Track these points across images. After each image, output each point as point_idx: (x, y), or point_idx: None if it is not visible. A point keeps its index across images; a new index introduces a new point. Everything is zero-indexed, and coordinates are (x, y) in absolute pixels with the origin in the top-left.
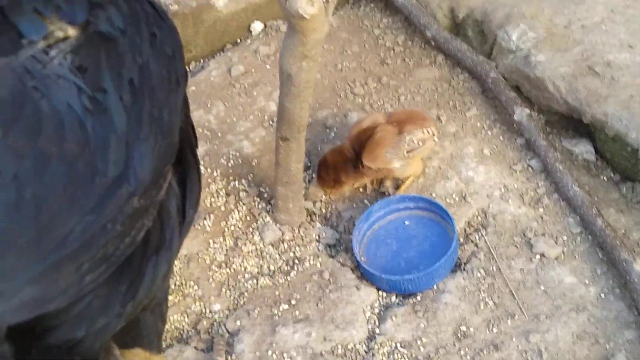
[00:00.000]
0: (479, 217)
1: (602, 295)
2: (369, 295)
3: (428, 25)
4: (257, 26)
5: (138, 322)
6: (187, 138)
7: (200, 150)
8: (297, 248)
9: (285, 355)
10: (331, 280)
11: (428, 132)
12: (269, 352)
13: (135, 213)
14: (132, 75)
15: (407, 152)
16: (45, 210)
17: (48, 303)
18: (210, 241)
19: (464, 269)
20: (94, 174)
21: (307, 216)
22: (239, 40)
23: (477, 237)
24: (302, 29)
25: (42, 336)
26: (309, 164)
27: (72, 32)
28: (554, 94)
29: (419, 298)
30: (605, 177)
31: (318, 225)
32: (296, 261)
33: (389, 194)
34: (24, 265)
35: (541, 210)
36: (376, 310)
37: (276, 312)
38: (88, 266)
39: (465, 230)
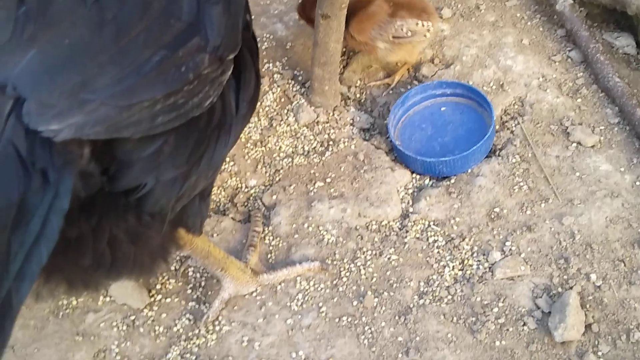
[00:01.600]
0: (516, 106)
1: (637, 182)
2: (403, 177)
3: None
4: None
5: (187, 205)
6: (248, 42)
7: None
8: (332, 130)
9: (320, 228)
10: (365, 161)
11: (423, 25)
12: (305, 225)
13: (203, 77)
14: None
15: (393, 37)
16: (125, 34)
17: (122, 128)
18: None
19: (498, 155)
20: (168, 16)
21: (341, 100)
22: None
23: (513, 125)
24: None
25: (116, 177)
26: (344, 49)
27: None
28: None
29: (452, 181)
30: None
31: (352, 109)
32: (330, 142)
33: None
34: (105, 81)
35: (579, 100)
36: (410, 191)
37: (311, 189)
38: (160, 107)
39: (501, 117)
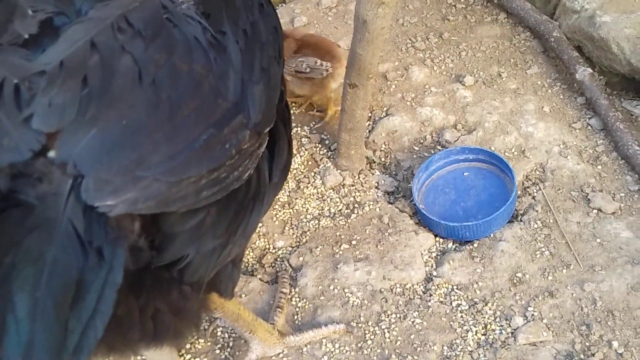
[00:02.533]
0: (537, 172)
1: None
2: (426, 240)
3: None
4: None
5: (220, 270)
6: (281, 113)
7: None
8: (357, 193)
9: (346, 290)
10: (390, 224)
11: (322, 64)
12: (331, 287)
13: (243, 151)
14: (246, 27)
15: (295, 71)
16: (178, 113)
17: (171, 203)
18: None
19: (520, 220)
20: (217, 96)
21: (367, 164)
22: None
23: (534, 191)
24: None
25: (161, 248)
26: (370, 115)
27: None
28: (617, 55)
29: (475, 245)
30: None
31: (377, 172)
32: (356, 205)
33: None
34: (158, 158)
35: (599, 167)
36: (433, 255)
37: (337, 251)
38: (205, 182)
39: (523, 183)
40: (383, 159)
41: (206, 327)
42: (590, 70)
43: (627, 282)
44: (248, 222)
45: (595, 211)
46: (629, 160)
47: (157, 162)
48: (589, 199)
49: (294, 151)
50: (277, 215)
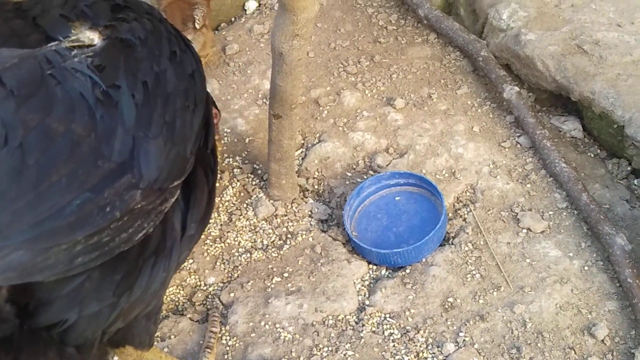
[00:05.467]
0: (468, 193)
1: (586, 267)
2: (359, 268)
3: (420, 4)
4: (251, 5)
5: (132, 325)
6: (203, 159)
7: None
8: (290, 223)
9: (277, 325)
10: (323, 254)
11: None
12: (262, 323)
13: (136, 212)
14: (147, 78)
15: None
16: (46, 179)
17: (36, 272)
18: None
19: (452, 243)
20: (97, 157)
21: (299, 192)
22: (233, 19)
23: (465, 212)
24: (292, 7)
25: (35, 313)
26: (303, 142)
27: (96, 39)
28: (543, 72)
29: (408, 271)
30: (591, 154)
31: (310, 201)
32: (289, 236)
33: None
34: (19, 227)
35: (529, 186)
36: (366, 283)
37: (269, 285)
38: (81, 248)
39: (454, 205)
40: (316, 187)
41: None
42: (517, 88)
43: (555, 302)
44: (148, 280)
45: (524, 231)
46: (556, 177)
47: (19, 231)
48: (518, 219)
49: (226, 182)
50: (209, 251)
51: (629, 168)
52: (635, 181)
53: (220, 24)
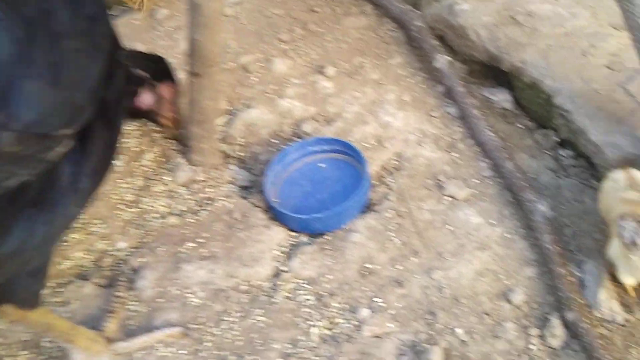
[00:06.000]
0: (394, 161)
1: (507, 235)
2: (278, 235)
3: None
4: None
5: (12, 281)
6: (106, 111)
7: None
8: (210, 189)
9: (187, 290)
10: (241, 220)
11: None
12: (171, 288)
13: (6, 155)
14: (32, 14)
15: None
16: None
17: None
18: (120, 181)
19: (374, 210)
20: None
21: (223, 158)
22: None
23: (390, 180)
24: None
25: None
26: (229, 108)
27: None
28: (475, 42)
29: (328, 237)
30: (521, 125)
31: (233, 167)
32: (207, 201)
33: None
34: None
35: (455, 154)
36: (285, 250)
37: (182, 250)
38: None
39: (379, 173)
40: (240, 153)
41: (28, 338)
42: (448, 58)
43: (474, 268)
44: (28, 233)
45: (448, 198)
46: (483, 146)
47: None
48: (442, 187)
49: (145, 147)
50: (121, 215)
51: (556, 139)
52: (562, 152)
53: None
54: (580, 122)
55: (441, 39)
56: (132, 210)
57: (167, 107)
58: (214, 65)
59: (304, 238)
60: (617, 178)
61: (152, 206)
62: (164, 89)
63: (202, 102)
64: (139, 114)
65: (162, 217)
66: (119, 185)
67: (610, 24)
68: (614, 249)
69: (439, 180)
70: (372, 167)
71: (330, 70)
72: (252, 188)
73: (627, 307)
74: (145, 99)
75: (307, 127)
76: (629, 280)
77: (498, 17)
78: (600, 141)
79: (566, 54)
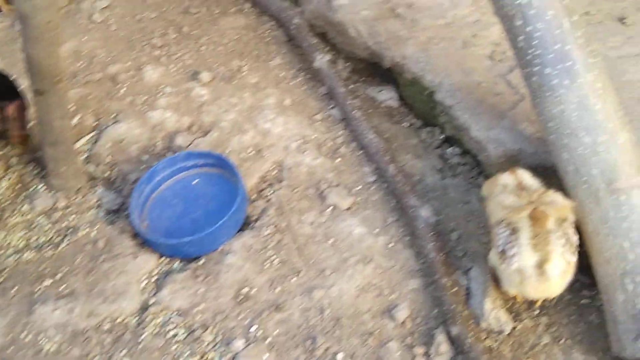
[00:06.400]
0: (275, 171)
1: (391, 244)
2: (147, 263)
3: None
4: None
5: None
6: None
7: None
8: (72, 216)
9: (41, 335)
10: (106, 249)
11: None
12: (23, 334)
13: None
14: None
15: None
16: None
17: None
18: None
19: (252, 227)
20: None
21: (88, 180)
22: None
23: (270, 193)
24: None
25: None
26: (96, 123)
27: None
28: (356, 39)
29: (202, 261)
30: (407, 123)
31: (100, 189)
32: (69, 230)
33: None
34: None
35: (338, 160)
36: (154, 279)
37: (37, 289)
38: None
39: (258, 186)
40: (108, 173)
41: None
42: (328, 57)
43: (357, 283)
44: None
45: (330, 208)
46: (366, 150)
47: None
48: (324, 196)
49: (1, 173)
50: None
51: (442, 136)
52: (449, 149)
53: None
54: (462, 118)
55: (323, 36)
56: None
57: (15, 125)
58: (59, 81)
59: (176, 264)
60: (504, 182)
61: (7, 241)
62: (10, 108)
63: (53, 122)
64: None
65: (18, 252)
66: None
67: (492, 11)
68: (493, 255)
69: (321, 189)
70: (251, 180)
71: (206, 76)
72: (120, 211)
73: (516, 314)
74: None
75: (181, 140)
76: (509, 290)
77: (378, 10)
78: (482, 137)
79: (447, 45)
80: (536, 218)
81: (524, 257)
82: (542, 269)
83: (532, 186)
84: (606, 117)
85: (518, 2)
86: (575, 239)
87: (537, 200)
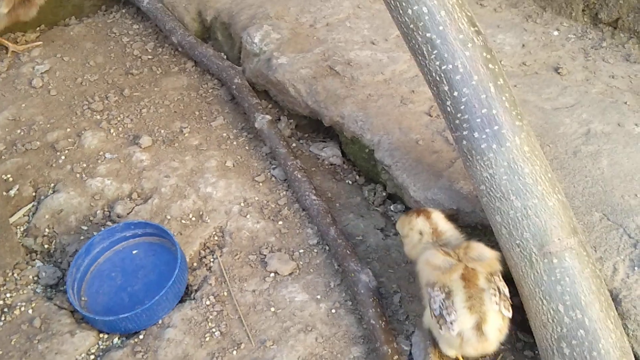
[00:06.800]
0: (216, 237)
1: (334, 310)
2: (85, 340)
3: (173, 30)
4: None
5: None
6: None
7: None
8: (9, 294)
9: None
10: (43, 327)
11: None
12: None
13: None
14: None
15: None
16: None
17: None
18: None
19: (193, 298)
20: None
21: (25, 255)
22: None
23: (211, 260)
24: None
25: None
26: (34, 194)
27: None
28: (296, 98)
29: (141, 337)
30: (350, 181)
31: (38, 263)
32: (5, 310)
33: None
34: None
35: (280, 223)
36: (92, 357)
37: None
38: None
39: (200, 253)
40: (46, 246)
41: None
42: (268, 117)
43: (298, 354)
44: None
45: (272, 275)
46: (308, 211)
47: None
48: (266, 262)
49: None
50: None
51: (384, 193)
52: (392, 206)
53: None
54: (400, 177)
55: (266, 94)
56: None
57: None
58: None
59: (115, 339)
60: (421, 228)
61: None
62: None
63: None
64: None
65: None
66: None
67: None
68: (427, 318)
69: (263, 254)
70: (192, 247)
71: (146, 140)
72: (59, 285)
73: None
74: None
75: (121, 209)
76: (448, 352)
77: (317, 68)
78: (420, 197)
79: (386, 102)
80: (467, 279)
81: (462, 321)
82: (480, 330)
83: (447, 232)
84: (535, 181)
85: (444, 67)
86: (506, 291)
87: (465, 257)
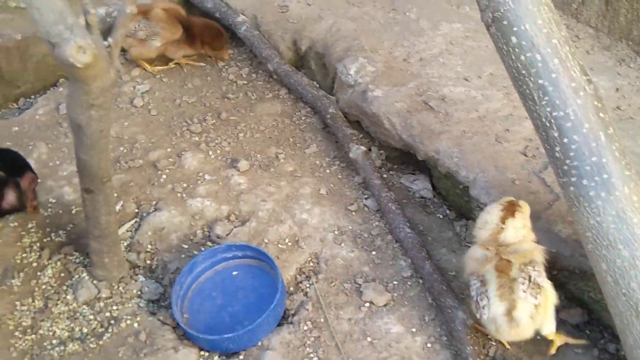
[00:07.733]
0: (312, 263)
1: (429, 344)
2: (187, 358)
3: (269, 57)
4: None
5: None
6: None
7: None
8: (115, 306)
9: None
10: (148, 341)
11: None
12: None
13: None
14: None
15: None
16: None
17: None
18: (17, 303)
19: (290, 322)
20: None
21: (129, 269)
22: None
23: (307, 285)
24: (81, 77)
25: None
26: (137, 211)
27: None
28: (390, 131)
29: (242, 357)
30: (440, 215)
31: (141, 278)
32: (112, 322)
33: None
34: None
35: (374, 253)
36: None
37: None
38: None
39: (296, 277)
40: (148, 262)
41: None
42: (363, 148)
43: None
44: None
45: (367, 304)
46: (402, 243)
47: None
48: (361, 291)
49: (45, 261)
50: (17, 344)
51: None
52: None
53: (58, 79)
54: None
55: (358, 124)
56: (29, 337)
57: (29, 196)
58: (106, 181)
59: (215, 358)
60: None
61: (52, 331)
62: (24, 182)
63: (100, 218)
64: (2, 213)
65: (62, 343)
66: (15, 309)
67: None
68: (470, 305)
69: (358, 284)
70: (288, 272)
71: (244, 164)
72: (161, 301)
73: None
74: (10, 199)
75: (219, 230)
76: (491, 335)
77: (411, 102)
78: None
79: (480, 140)
80: (501, 269)
81: (493, 308)
82: (510, 316)
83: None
84: None
85: (555, 114)
86: (540, 279)
87: (503, 250)
